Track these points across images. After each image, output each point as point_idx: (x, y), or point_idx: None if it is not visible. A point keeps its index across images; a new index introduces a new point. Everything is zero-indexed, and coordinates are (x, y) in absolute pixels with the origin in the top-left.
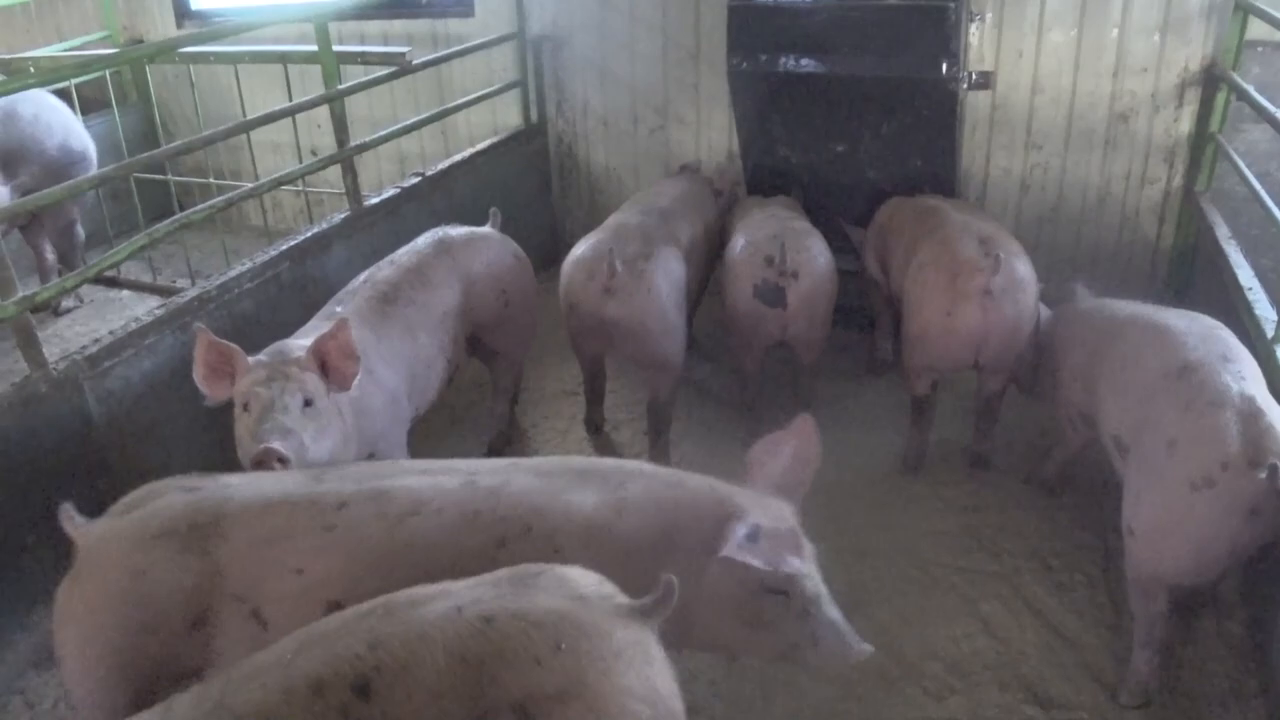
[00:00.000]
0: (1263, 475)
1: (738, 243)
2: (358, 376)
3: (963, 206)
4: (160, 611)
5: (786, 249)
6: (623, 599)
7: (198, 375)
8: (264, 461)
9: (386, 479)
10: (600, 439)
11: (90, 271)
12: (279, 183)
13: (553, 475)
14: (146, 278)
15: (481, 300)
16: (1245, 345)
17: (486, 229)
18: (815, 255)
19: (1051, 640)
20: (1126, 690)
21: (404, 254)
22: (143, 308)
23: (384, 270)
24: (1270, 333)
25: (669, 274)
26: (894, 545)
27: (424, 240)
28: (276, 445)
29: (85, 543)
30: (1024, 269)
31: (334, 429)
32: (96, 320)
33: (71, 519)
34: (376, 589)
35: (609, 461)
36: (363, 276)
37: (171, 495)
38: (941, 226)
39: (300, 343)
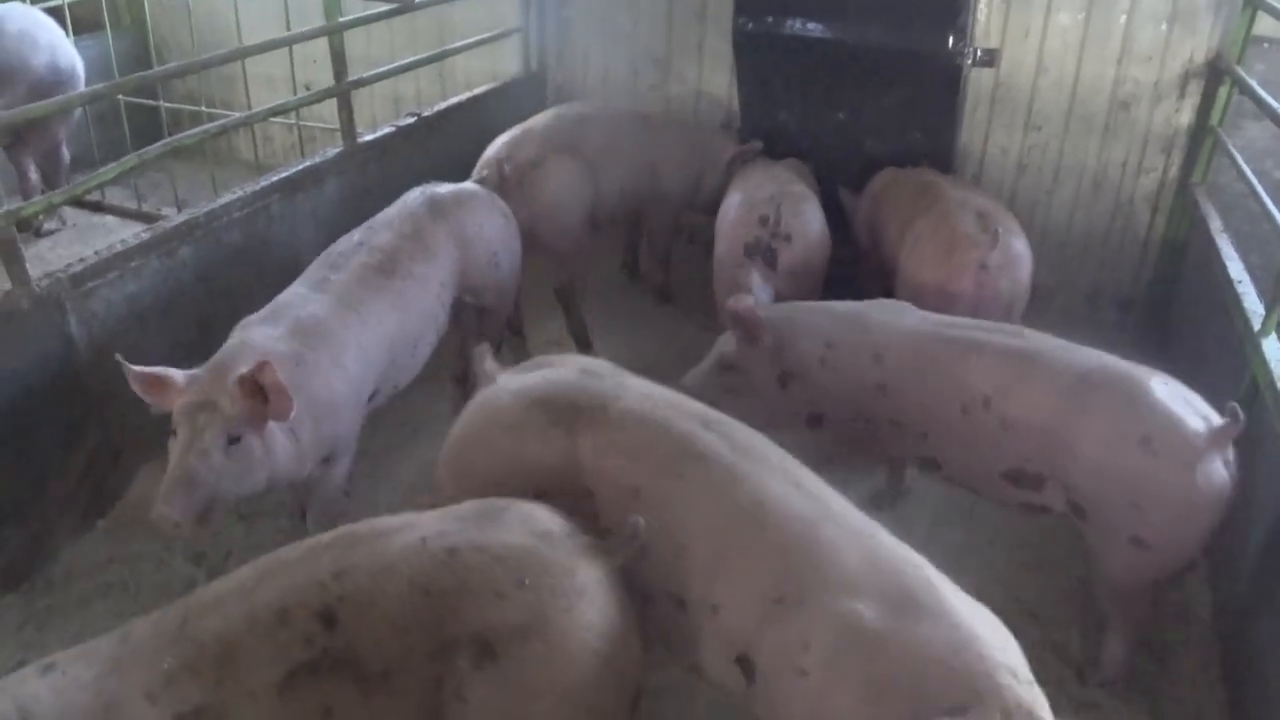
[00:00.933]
0: (1228, 421)
1: (734, 199)
2: (293, 412)
3: (960, 183)
4: (515, 469)
5: (782, 211)
6: (586, 537)
7: (138, 391)
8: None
9: (757, 466)
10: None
11: (78, 189)
12: (274, 112)
13: (877, 570)
14: (131, 204)
15: (474, 265)
16: (1232, 338)
17: (473, 186)
18: (809, 221)
19: (1019, 618)
20: (1099, 673)
21: (398, 217)
22: (126, 233)
23: (381, 235)
24: (1257, 326)
25: (561, 179)
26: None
27: (415, 201)
28: (165, 512)
29: (483, 387)
30: (1021, 246)
31: (272, 459)
32: (79, 244)
33: (485, 360)
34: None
35: (920, 580)
36: (357, 237)
37: (569, 370)
38: (940, 200)
39: (262, 337)
